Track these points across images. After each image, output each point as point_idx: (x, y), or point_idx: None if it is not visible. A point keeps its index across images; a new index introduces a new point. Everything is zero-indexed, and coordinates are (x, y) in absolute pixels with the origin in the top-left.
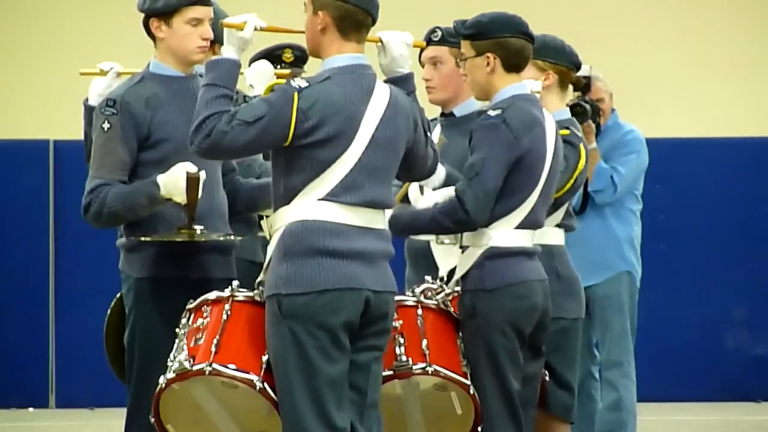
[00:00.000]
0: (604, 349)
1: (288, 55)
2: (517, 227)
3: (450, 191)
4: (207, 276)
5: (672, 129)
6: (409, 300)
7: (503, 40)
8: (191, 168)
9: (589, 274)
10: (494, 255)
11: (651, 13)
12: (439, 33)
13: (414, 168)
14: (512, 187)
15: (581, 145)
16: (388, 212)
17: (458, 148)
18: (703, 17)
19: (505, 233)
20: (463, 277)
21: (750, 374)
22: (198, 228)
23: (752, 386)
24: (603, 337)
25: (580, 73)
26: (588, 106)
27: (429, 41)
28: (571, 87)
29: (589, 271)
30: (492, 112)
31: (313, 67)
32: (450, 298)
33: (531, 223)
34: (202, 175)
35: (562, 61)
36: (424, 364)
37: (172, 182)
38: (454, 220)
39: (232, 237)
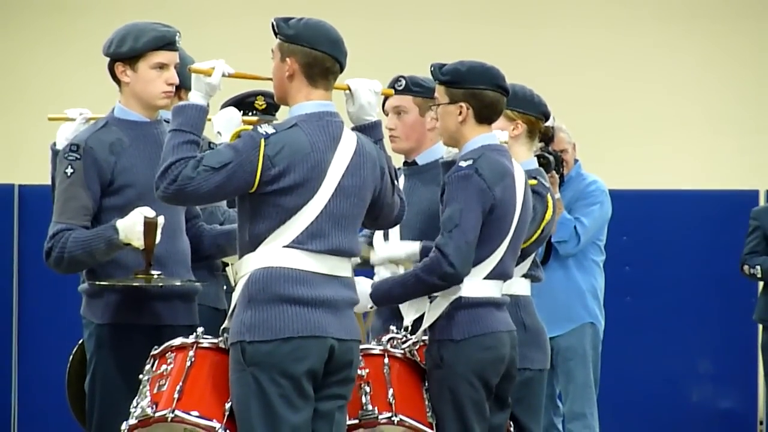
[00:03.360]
0: (568, 401)
1: (260, 103)
2: (486, 277)
3: (414, 245)
4: (169, 323)
5: (638, 181)
6: (376, 349)
7: (478, 92)
8: (149, 213)
9: (552, 326)
10: (462, 305)
11: (617, 64)
12: (403, 82)
13: (381, 216)
14: (483, 238)
15: (548, 196)
16: (365, 284)
17: (421, 196)
18: (669, 71)
19: (474, 283)
20: (431, 326)
21: (714, 428)
22: (155, 273)
23: None
24: (566, 389)
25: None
26: (551, 157)
27: (393, 90)
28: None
29: (552, 322)
30: (463, 163)
31: (285, 114)
32: (417, 347)
33: (500, 273)
34: (160, 220)
35: (531, 111)
36: (389, 414)
37: (130, 227)
38: (440, 276)
39: (192, 283)
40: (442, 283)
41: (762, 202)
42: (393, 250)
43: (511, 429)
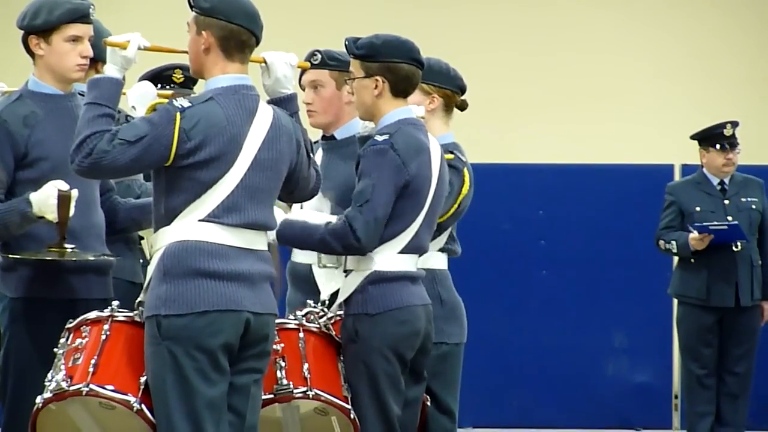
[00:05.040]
0: None
1: (178, 76)
2: (401, 252)
3: (331, 218)
4: (83, 296)
5: (554, 155)
6: (291, 323)
7: (393, 65)
8: (63, 186)
9: None
10: (378, 279)
11: (536, 40)
12: (319, 56)
13: (297, 189)
14: (397, 212)
15: (465, 170)
16: (279, 215)
17: (339, 170)
18: (586, 46)
19: (389, 257)
20: (346, 300)
21: (629, 402)
22: (69, 246)
23: (632, 414)
24: None
25: None
26: None
27: (309, 63)
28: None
29: None
30: (379, 137)
31: (202, 88)
32: (332, 321)
33: (415, 247)
34: (74, 193)
35: (446, 85)
36: (305, 388)
37: (43, 200)
38: (344, 245)
39: (106, 256)
40: (343, 252)
41: (677, 177)
42: (316, 218)
43: (428, 402)
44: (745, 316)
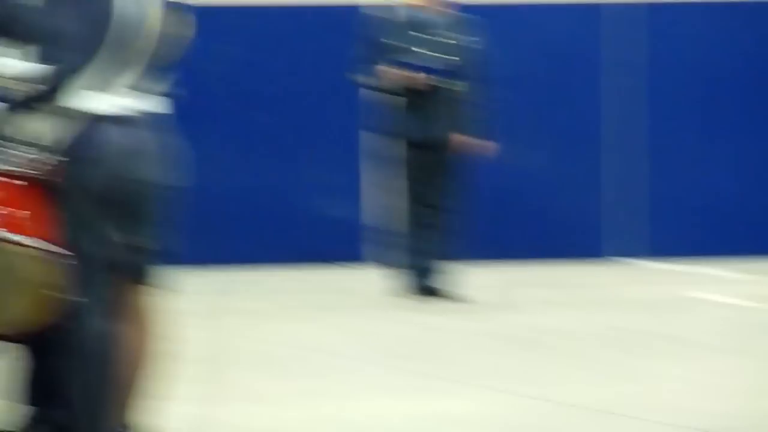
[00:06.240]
0: None
1: None
2: (108, 92)
3: None
4: None
5: None
6: None
7: None
8: None
9: None
10: (84, 119)
11: None
12: None
13: None
14: None
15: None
16: None
17: None
18: None
19: (96, 97)
20: (53, 142)
21: (322, 236)
22: None
23: (324, 248)
24: None
25: None
26: None
27: None
28: None
29: None
30: None
31: None
32: (40, 163)
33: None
34: None
35: None
36: None
37: None
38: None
39: None
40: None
41: (379, 13)
42: None
43: (137, 244)
44: (451, 152)
